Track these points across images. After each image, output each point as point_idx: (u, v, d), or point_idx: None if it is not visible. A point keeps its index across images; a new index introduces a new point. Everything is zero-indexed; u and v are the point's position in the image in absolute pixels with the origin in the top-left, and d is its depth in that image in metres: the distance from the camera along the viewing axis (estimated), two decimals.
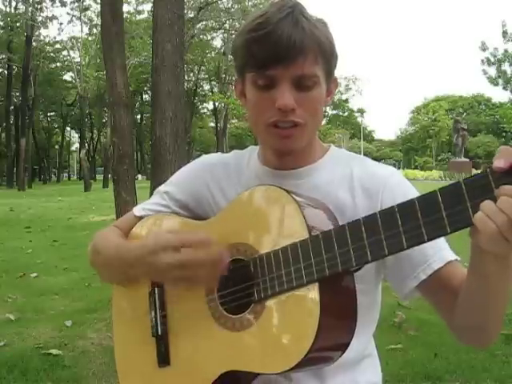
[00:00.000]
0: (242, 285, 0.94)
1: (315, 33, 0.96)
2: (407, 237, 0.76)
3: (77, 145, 60.63)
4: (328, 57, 0.99)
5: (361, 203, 1.01)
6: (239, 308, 0.94)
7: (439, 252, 0.96)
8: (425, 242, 0.75)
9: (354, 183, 1.03)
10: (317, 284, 0.84)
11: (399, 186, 1.03)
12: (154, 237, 1.00)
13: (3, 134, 44.09)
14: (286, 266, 0.87)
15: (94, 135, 55.05)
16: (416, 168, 57.08)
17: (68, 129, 59.63)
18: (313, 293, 0.84)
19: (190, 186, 1.16)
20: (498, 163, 0.70)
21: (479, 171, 0.72)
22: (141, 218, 1.18)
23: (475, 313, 0.89)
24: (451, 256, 0.97)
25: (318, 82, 0.98)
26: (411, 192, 1.02)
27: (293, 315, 0.86)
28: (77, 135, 57.50)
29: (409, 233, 0.75)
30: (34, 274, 6.47)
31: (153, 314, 1.07)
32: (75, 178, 70.43)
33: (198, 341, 1.00)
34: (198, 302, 1.00)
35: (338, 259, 0.82)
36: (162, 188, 1.20)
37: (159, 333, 1.06)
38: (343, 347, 0.90)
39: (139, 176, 41.08)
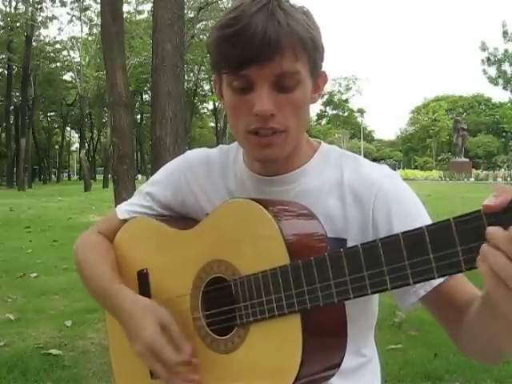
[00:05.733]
0: (225, 306, 0.91)
1: (293, 25, 0.86)
2: (391, 278, 0.70)
3: (77, 145, 60.67)
4: (310, 50, 0.90)
5: (351, 212, 0.94)
6: (224, 329, 0.92)
7: None
8: (410, 284, 0.69)
9: (344, 189, 0.96)
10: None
11: (395, 191, 0.95)
12: (144, 321, 0.96)
13: (3, 134, 44.11)
14: (267, 294, 0.84)
15: (94, 135, 55.07)
16: (416, 168, 57.13)
17: (68, 129, 59.72)
18: (296, 320, 0.81)
19: (171, 185, 1.12)
20: (488, 201, 0.60)
21: (473, 212, 0.62)
22: (124, 220, 1.15)
23: (487, 340, 0.80)
24: None
25: (301, 80, 0.90)
26: (407, 198, 0.95)
27: (276, 343, 0.83)
28: (77, 135, 57.60)
29: (393, 274, 0.69)
30: (34, 274, 6.46)
31: None
32: (75, 177, 70.48)
33: None
34: (184, 319, 0.98)
35: (319, 293, 0.78)
36: (144, 188, 1.16)
37: None
38: (335, 366, 0.87)
39: (139, 176, 41.01)
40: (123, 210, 1.16)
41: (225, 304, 0.91)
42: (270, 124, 0.89)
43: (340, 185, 0.97)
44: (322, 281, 0.77)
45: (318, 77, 0.96)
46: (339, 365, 0.87)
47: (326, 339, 0.84)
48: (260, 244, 0.86)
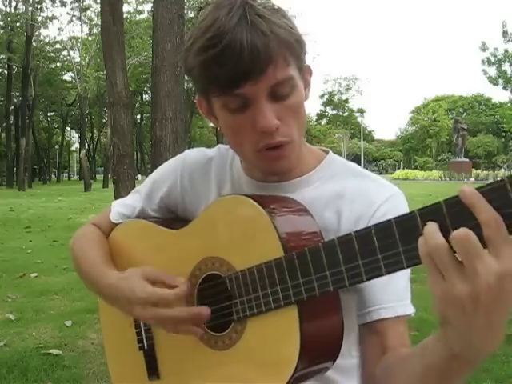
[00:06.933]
0: (221, 303, 0.91)
1: (277, 32, 0.83)
2: (385, 263, 0.70)
3: (77, 145, 60.75)
4: (297, 51, 0.87)
5: (346, 226, 0.92)
6: (220, 326, 0.91)
7: (396, 302, 0.89)
8: (404, 268, 0.69)
9: (343, 204, 0.93)
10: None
11: (390, 214, 0.94)
12: (131, 283, 0.92)
13: (3, 134, 44.09)
14: (263, 288, 0.83)
15: (94, 135, 55.12)
16: (416, 168, 57.16)
17: (68, 129, 59.79)
18: (293, 311, 0.81)
19: (167, 185, 1.10)
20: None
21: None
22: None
23: None
24: (406, 310, 0.90)
25: (295, 84, 0.87)
26: None
27: (274, 335, 0.83)
28: (77, 135, 57.65)
29: (387, 259, 0.70)
30: (34, 274, 6.47)
31: (138, 327, 1.06)
32: (75, 177, 70.48)
33: (184, 357, 0.98)
34: None
35: (314, 284, 0.77)
36: (140, 188, 1.15)
37: (145, 347, 1.05)
38: (332, 358, 0.86)
39: (139, 176, 40.93)
40: (116, 212, 1.14)
41: (220, 300, 0.91)
42: (276, 138, 0.87)
43: (340, 198, 0.94)
44: (317, 271, 0.77)
45: (306, 73, 0.93)
46: (336, 357, 0.87)
47: (323, 330, 0.84)
48: (254, 239, 0.86)
